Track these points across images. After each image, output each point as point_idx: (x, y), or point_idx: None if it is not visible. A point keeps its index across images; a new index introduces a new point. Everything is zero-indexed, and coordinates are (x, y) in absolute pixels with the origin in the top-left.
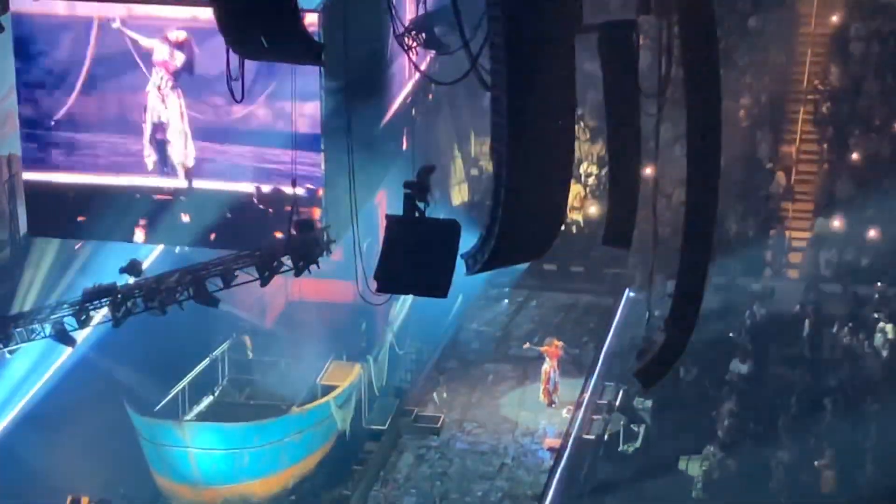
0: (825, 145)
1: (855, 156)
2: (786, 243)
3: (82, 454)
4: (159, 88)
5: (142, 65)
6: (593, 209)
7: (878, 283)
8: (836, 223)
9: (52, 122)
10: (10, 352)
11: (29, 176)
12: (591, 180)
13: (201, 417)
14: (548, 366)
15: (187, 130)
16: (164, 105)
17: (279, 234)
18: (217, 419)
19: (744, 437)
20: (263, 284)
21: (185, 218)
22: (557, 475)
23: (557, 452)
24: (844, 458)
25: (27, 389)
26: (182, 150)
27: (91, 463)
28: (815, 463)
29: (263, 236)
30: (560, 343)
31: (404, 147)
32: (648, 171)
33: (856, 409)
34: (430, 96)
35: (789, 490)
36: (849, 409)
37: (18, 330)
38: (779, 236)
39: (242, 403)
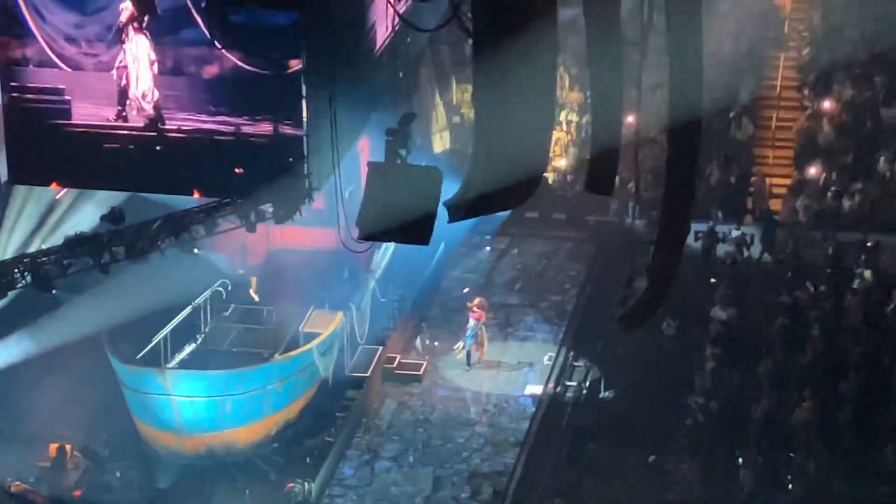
0: (806, 91)
1: (835, 102)
2: (766, 190)
3: (64, 402)
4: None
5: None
6: (574, 156)
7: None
8: (816, 170)
9: (32, 69)
10: None
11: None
12: (572, 127)
13: (184, 365)
14: (472, 324)
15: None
16: (132, 48)
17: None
18: (199, 367)
19: (725, 384)
20: (250, 230)
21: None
22: (538, 421)
23: (539, 399)
24: (825, 403)
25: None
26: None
27: (73, 411)
28: (795, 410)
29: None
30: (479, 301)
31: (387, 93)
32: (630, 118)
33: (836, 354)
34: (409, 39)
35: (770, 435)
36: (829, 354)
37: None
38: (759, 183)
39: (225, 351)
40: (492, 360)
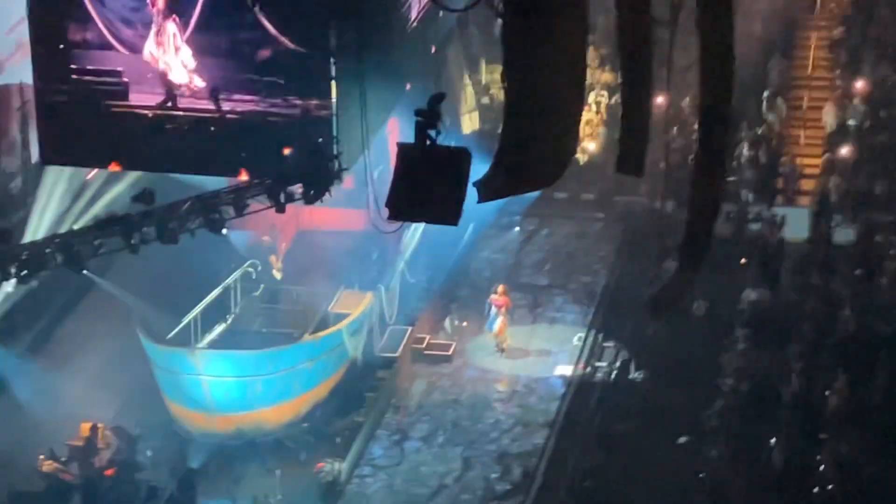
0: (837, 71)
1: (867, 82)
2: (797, 170)
3: (96, 382)
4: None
5: None
6: (604, 136)
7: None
8: (847, 150)
9: (63, 50)
10: (23, 279)
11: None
12: (602, 107)
13: (214, 345)
14: (493, 311)
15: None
16: (164, 30)
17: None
18: (230, 347)
19: (756, 365)
20: (279, 211)
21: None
22: (568, 402)
23: (569, 380)
24: (856, 384)
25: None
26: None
27: (105, 390)
28: (826, 391)
29: (267, 161)
30: (502, 289)
31: (416, 74)
32: (660, 98)
33: (868, 333)
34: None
35: (801, 416)
36: (860, 334)
37: (31, 258)
38: (790, 163)
39: (255, 331)
40: (521, 340)
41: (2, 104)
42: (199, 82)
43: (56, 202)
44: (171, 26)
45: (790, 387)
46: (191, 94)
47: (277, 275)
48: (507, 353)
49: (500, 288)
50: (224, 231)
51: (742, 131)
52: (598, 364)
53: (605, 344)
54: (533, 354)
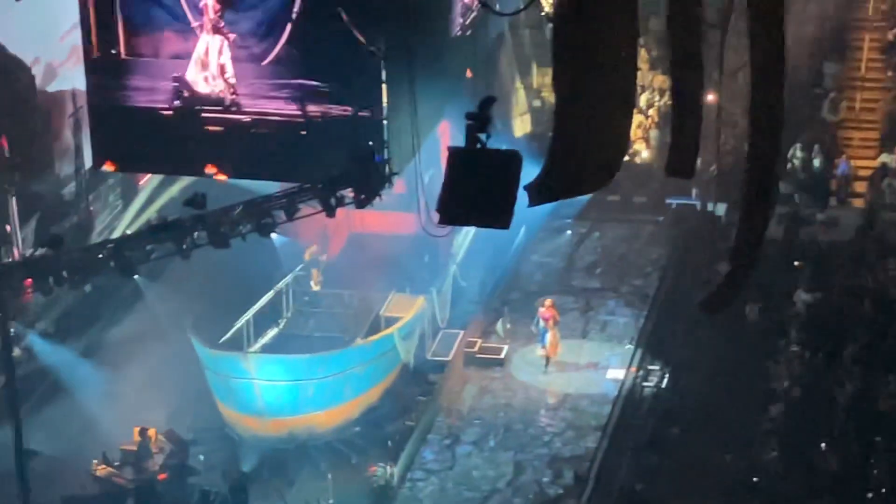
0: (890, 73)
1: None
2: (851, 172)
3: (149, 386)
4: (202, 27)
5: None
6: (656, 139)
7: None
8: None
9: (115, 57)
10: (75, 284)
11: (93, 109)
12: (652, 110)
13: (266, 349)
14: (542, 325)
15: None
16: (208, 42)
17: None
18: (282, 351)
19: (809, 368)
20: (330, 215)
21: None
22: (620, 406)
23: (621, 383)
24: None
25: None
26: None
27: (158, 395)
28: (880, 394)
29: (317, 165)
30: (549, 302)
31: (467, 77)
32: (711, 99)
33: None
34: (496, 28)
35: (855, 420)
36: None
37: (84, 263)
38: (843, 165)
39: (307, 335)
40: (573, 344)
41: (55, 110)
42: (247, 89)
43: (109, 207)
44: (217, 40)
45: (844, 390)
46: (238, 101)
47: (316, 287)
48: (557, 366)
49: (548, 301)
50: (273, 235)
51: (795, 133)
52: (650, 368)
53: (657, 347)
54: (585, 358)
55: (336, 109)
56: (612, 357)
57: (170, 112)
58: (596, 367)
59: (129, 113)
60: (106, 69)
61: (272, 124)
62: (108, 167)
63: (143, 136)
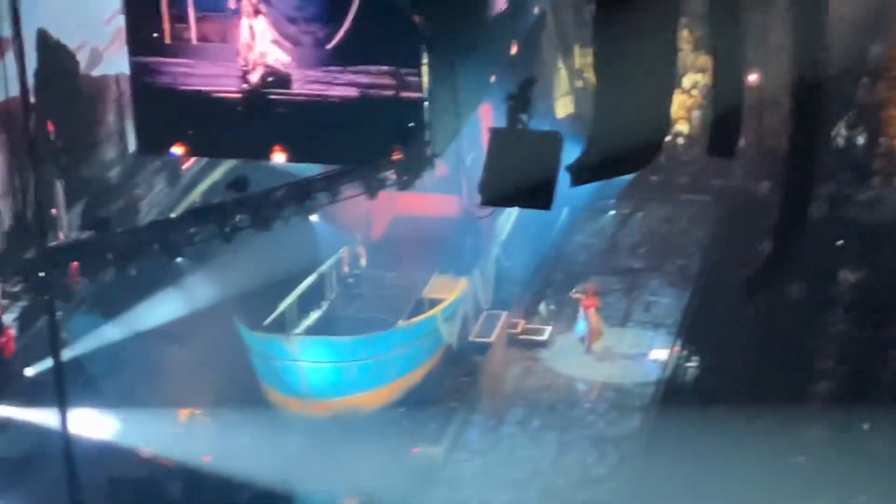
0: None
1: None
2: (894, 150)
3: (194, 369)
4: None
5: None
6: (698, 119)
7: None
8: None
9: (159, 41)
10: (121, 267)
11: (137, 93)
12: (696, 90)
13: (310, 331)
14: (582, 313)
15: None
16: (254, 27)
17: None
18: (325, 333)
19: (855, 347)
20: (371, 197)
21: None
22: (664, 385)
23: (664, 363)
24: None
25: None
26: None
27: (203, 377)
28: None
29: (366, 146)
30: (592, 289)
31: (509, 58)
32: (754, 79)
33: None
34: (536, 9)
35: None
36: None
37: (128, 246)
38: (888, 143)
39: (350, 317)
40: (616, 327)
41: (100, 94)
42: (288, 71)
43: (153, 191)
44: (262, 21)
45: (889, 369)
46: (280, 83)
47: (363, 263)
48: (600, 348)
49: (590, 288)
50: (314, 217)
51: (838, 112)
52: (693, 348)
53: (701, 328)
54: (628, 338)
55: (377, 92)
56: (655, 337)
57: (214, 96)
58: (639, 349)
59: (171, 97)
60: (149, 53)
61: (314, 106)
62: (176, 149)
63: (185, 119)
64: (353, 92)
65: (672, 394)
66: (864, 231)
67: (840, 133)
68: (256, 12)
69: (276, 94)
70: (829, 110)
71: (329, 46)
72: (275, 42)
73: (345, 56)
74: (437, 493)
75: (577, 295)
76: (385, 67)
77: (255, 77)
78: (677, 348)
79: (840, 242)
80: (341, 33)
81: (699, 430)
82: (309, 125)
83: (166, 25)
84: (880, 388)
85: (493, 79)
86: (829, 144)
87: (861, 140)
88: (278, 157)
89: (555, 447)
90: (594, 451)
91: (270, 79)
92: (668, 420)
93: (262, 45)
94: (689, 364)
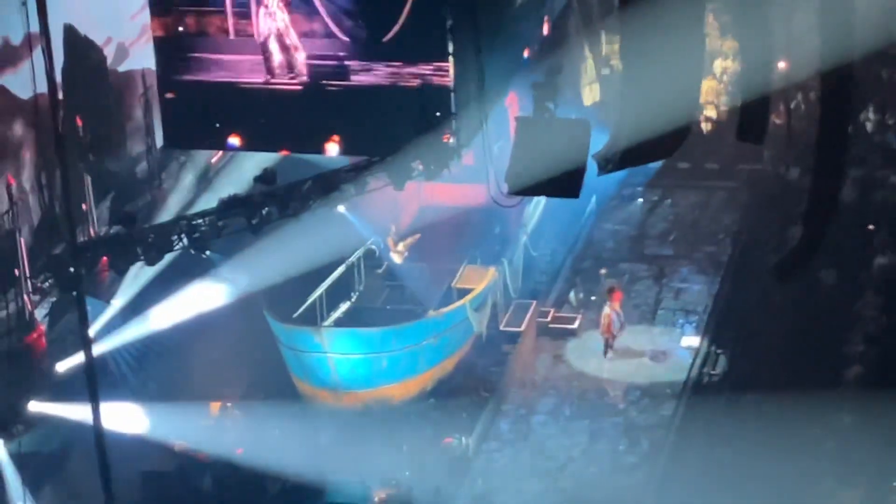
0: None
1: None
2: None
3: (225, 362)
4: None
5: None
6: (727, 105)
7: None
8: None
9: (184, 36)
10: (150, 261)
11: (163, 88)
12: (725, 76)
13: (339, 323)
14: (608, 310)
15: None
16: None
17: None
18: (354, 324)
19: (887, 331)
20: (398, 188)
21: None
22: (695, 372)
23: (696, 350)
24: None
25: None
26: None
27: (233, 370)
28: None
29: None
30: (616, 284)
31: (536, 47)
32: (782, 64)
33: None
34: None
35: None
36: None
37: (156, 240)
38: None
39: (379, 308)
40: (647, 311)
41: (127, 89)
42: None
43: (180, 185)
44: (280, 14)
45: None
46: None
47: (397, 258)
48: (633, 324)
49: (613, 285)
50: (340, 208)
51: (867, 95)
52: (724, 334)
53: (731, 314)
54: (659, 325)
55: (403, 82)
56: (686, 325)
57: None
58: (670, 334)
59: (197, 91)
60: (174, 48)
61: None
62: (233, 139)
63: (211, 113)
64: (380, 82)
65: (703, 381)
66: (893, 215)
67: (869, 117)
68: (286, 4)
69: (299, 86)
70: (857, 93)
71: (354, 36)
72: (291, 33)
73: (372, 46)
74: (469, 484)
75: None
76: (412, 57)
77: (280, 69)
78: (709, 335)
79: (871, 227)
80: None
81: (730, 417)
82: (334, 115)
83: (190, 19)
84: None
85: (520, 66)
86: (858, 128)
87: (891, 122)
88: (303, 149)
89: (586, 436)
90: (625, 440)
91: (294, 72)
92: (699, 407)
93: (288, 38)
94: (720, 351)
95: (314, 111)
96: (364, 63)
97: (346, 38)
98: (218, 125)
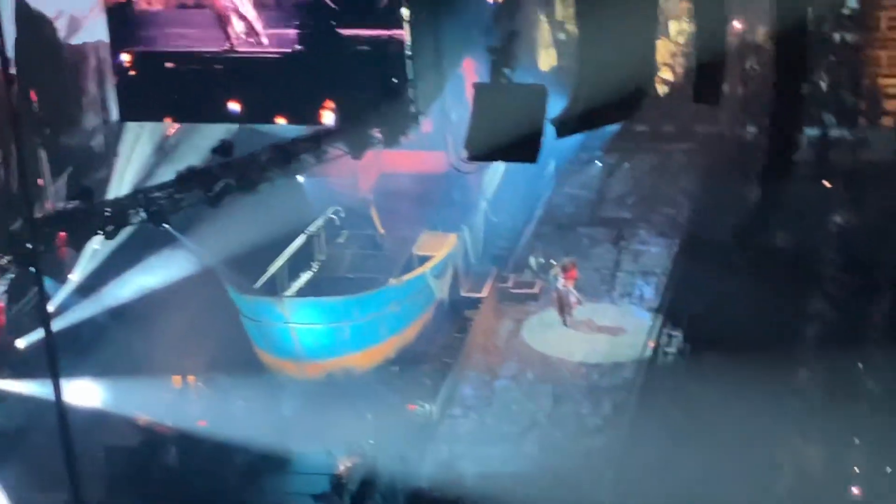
0: None
1: None
2: (879, 91)
3: (186, 334)
4: None
5: None
6: (683, 67)
7: None
8: None
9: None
10: (108, 235)
11: (116, 61)
12: (682, 38)
13: (301, 293)
14: (561, 284)
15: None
16: None
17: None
18: (316, 294)
19: (845, 289)
20: (356, 157)
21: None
22: (657, 335)
23: (656, 312)
24: None
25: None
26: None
27: (195, 342)
28: None
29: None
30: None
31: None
32: (736, 25)
33: None
34: None
35: (892, 339)
36: None
37: (114, 215)
38: (871, 84)
39: (340, 277)
40: (605, 278)
41: (80, 63)
42: (268, 31)
43: (137, 158)
44: None
45: (879, 309)
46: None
47: (381, 229)
48: (594, 286)
49: (567, 262)
50: (300, 177)
51: (821, 54)
52: (684, 294)
53: (690, 275)
54: (619, 288)
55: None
56: (646, 287)
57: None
58: (630, 296)
59: (149, 63)
60: (126, 21)
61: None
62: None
63: (164, 85)
64: (335, 50)
65: (665, 342)
66: (851, 173)
67: (823, 75)
68: None
69: (256, 55)
70: (811, 54)
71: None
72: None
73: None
74: (434, 450)
75: (555, 271)
76: (367, 25)
77: (235, 39)
78: (669, 296)
79: (826, 184)
80: None
81: (692, 377)
82: (289, 83)
83: None
84: (870, 328)
85: (475, 33)
86: (813, 88)
87: (845, 81)
88: (258, 119)
89: (550, 399)
90: (588, 403)
91: (251, 40)
92: (661, 368)
93: (242, 7)
94: (680, 312)
95: (269, 81)
96: (320, 30)
97: (302, 5)
98: (169, 97)
